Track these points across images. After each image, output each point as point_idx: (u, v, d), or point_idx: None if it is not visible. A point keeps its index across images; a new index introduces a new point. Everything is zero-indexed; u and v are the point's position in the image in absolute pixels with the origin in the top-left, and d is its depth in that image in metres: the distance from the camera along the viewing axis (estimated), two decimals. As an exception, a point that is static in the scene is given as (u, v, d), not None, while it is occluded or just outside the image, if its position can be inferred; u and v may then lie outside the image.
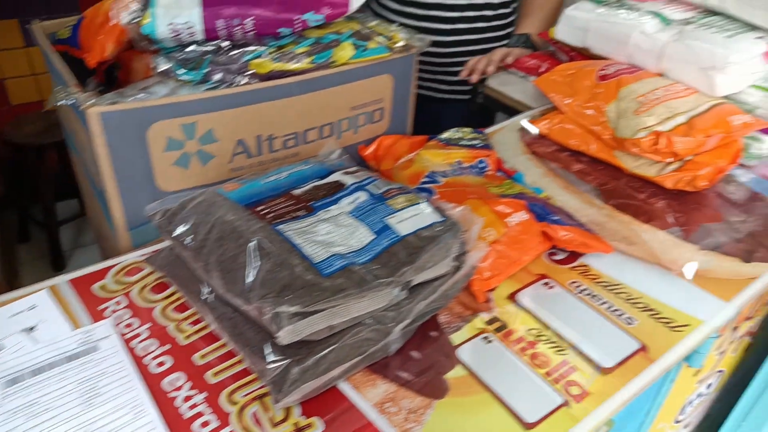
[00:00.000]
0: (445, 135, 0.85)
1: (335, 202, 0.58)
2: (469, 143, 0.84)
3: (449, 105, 1.28)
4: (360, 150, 0.83)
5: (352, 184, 0.61)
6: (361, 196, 0.59)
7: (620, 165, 0.83)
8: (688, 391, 0.96)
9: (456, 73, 1.24)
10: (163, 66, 0.69)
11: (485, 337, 0.59)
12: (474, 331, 0.60)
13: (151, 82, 0.74)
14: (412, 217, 0.57)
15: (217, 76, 0.70)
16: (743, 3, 0.82)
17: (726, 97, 0.84)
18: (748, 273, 0.69)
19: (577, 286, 0.66)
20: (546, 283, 0.66)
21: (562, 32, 0.99)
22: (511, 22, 1.25)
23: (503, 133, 0.93)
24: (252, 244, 0.52)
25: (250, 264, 0.51)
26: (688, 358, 0.76)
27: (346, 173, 0.63)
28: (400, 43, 0.79)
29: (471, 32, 1.21)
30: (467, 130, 0.87)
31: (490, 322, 0.61)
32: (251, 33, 0.71)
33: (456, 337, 0.59)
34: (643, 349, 0.59)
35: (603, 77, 0.89)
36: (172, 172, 0.70)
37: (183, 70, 0.69)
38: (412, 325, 0.57)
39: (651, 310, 0.63)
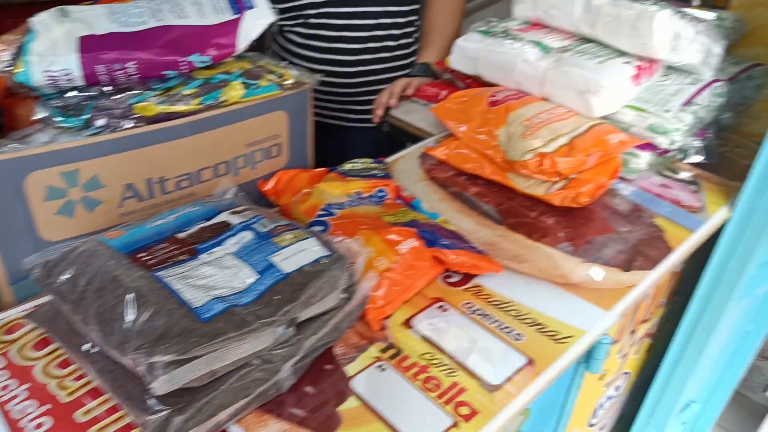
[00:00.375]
0: (346, 167, 0.87)
1: (220, 243, 0.58)
2: (369, 173, 0.86)
3: (360, 133, 1.30)
4: (259, 185, 0.84)
5: (238, 224, 0.61)
6: (247, 236, 0.59)
7: (513, 186, 0.87)
8: (597, 395, 1.00)
9: (364, 102, 1.27)
10: (41, 113, 0.67)
11: (379, 366, 0.60)
12: (369, 360, 0.61)
13: (32, 130, 0.72)
14: (298, 254, 0.58)
15: (101, 122, 0.68)
16: (609, 32, 0.89)
17: (604, 117, 0.91)
18: (627, 281, 0.74)
19: (470, 307, 0.68)
20: (440, 306, 0.68)
21: (456, 62, 1.03)
22: (414, 51, 1.30)
23: (404, 161, 0.95)
24: (130, 294, 0.51)
25: (128, 314, 0.50)
26: (587, 365, 0.80)
27: (233, 213, 0.63)
28: (290, 81, 0.80)
29: (375, 62, 1.24)
30: (368, 160, 0.89)
31: (385, 349, 0.62)
32: (135, 76, 0.70)
33: (351, 368, 0.60)
34: (530, 363, 0.62)
35: (493, 103, 0.93)
36: (56, 222, 0.68)
37: (62, 117, 0.67)
38: (304, 360, 0.57)
39: (538, 324, 0.67)
